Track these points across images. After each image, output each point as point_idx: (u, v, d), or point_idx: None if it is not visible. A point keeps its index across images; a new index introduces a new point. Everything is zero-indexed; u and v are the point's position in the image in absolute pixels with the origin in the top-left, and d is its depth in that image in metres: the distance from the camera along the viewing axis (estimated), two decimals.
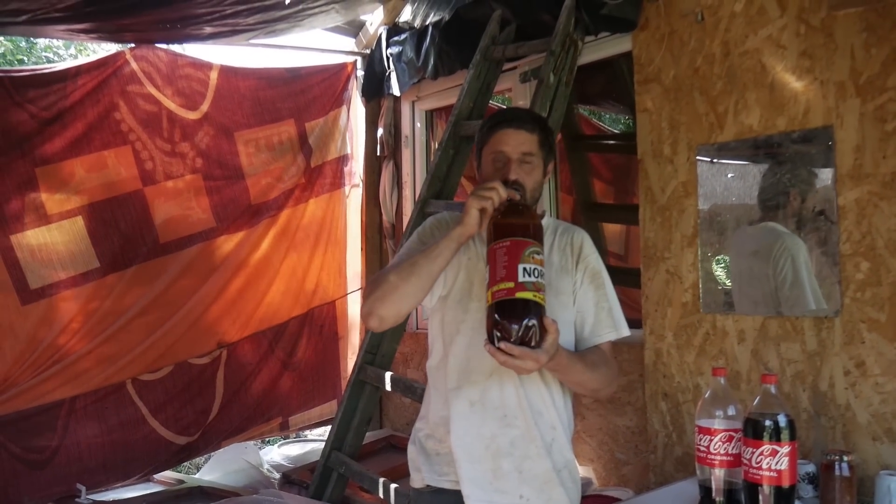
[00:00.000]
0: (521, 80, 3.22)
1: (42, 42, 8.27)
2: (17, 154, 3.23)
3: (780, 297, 2.19)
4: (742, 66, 2.27)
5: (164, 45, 3.56)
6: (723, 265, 2.38)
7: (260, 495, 3.05)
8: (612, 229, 4.64)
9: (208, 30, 3.40)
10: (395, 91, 3.75)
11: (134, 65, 3.48)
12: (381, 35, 3.83)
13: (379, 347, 3.07)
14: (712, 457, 1.54)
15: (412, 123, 4.00)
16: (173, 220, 3.59)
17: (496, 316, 1.37)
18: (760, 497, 1.47)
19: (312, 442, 4.17)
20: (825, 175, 2.07)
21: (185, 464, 4.07)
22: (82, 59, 3.61)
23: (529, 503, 1.61)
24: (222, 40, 3.62)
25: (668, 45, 2.48)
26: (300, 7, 3.23)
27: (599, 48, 2.91)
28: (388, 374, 2.96)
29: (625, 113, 5.01)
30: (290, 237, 3.92)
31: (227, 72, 3.73)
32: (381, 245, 4.15)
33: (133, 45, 3.49)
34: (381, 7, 3.90)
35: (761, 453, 1.46)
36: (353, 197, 4.14)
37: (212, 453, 3.85)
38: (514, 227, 1.44)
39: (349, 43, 4.18)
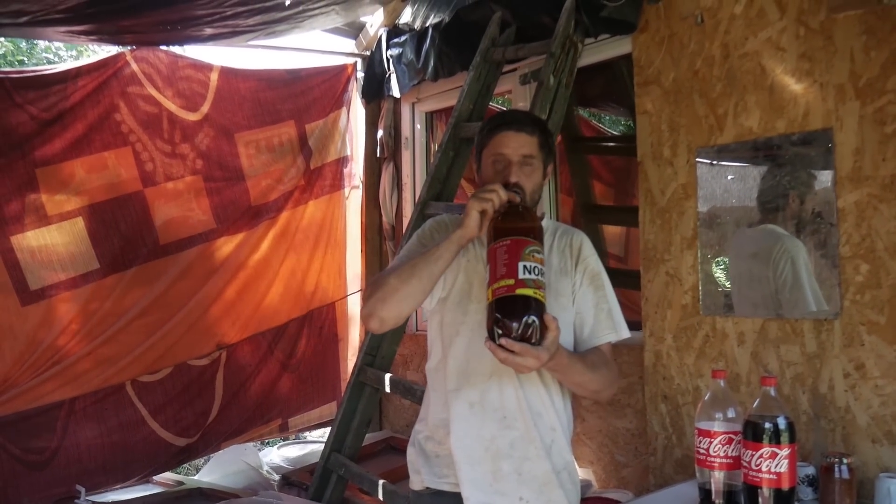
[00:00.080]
0: (521, 81, 3.22)
1: (42, 43, 8.27)
2: (17, 155, 3.23)
3: (779, 299, 2.19)
4: (742, 68, 2.27)
5: (164, 47, 3.56)
6: (722, 267, 2.38)
7: (259, 497, 3.05)
8: (611, 231, 4.63)
9: (209, 31, 3.40)
10: (395, 93, 3.75)
11: (134, 66, 3.48)
12: (381, 37, 3.83)
13: (379, 349, 3.07)
14: (712, 459, 1.54)
15: (412, 125, 3.99)
16: (173, 222, 3.59)
17: (496, 313, 1.36)
18: (760, 499, 1.47)
19: (312, 443, 4.16)
20: (825, 177, 2.07)
21: (184, 465, 4.07)
22: (83, 61, 3.61)
23: None
24: (222, 41, 3.62)
25: (667, 47, 2.49)
26: (300, 8, 3.23)
27: (599, 50, 2.91)
28: (387, 376, 2.96)
29: (624, 115, 5.01)
30: (289, 239, 3.92)
31: (227, 73, 3.73)
32: (381, 247, 4.15)
33: (133, 46, 3.49)
34: (382, 9, 3.90)
35: (761, 456, 1.46)
36: (353, 198, 4.14)
37: (211, 455, 3.84)
38: (514, 230, 1.44)
39: (349, 44, 4.18)
